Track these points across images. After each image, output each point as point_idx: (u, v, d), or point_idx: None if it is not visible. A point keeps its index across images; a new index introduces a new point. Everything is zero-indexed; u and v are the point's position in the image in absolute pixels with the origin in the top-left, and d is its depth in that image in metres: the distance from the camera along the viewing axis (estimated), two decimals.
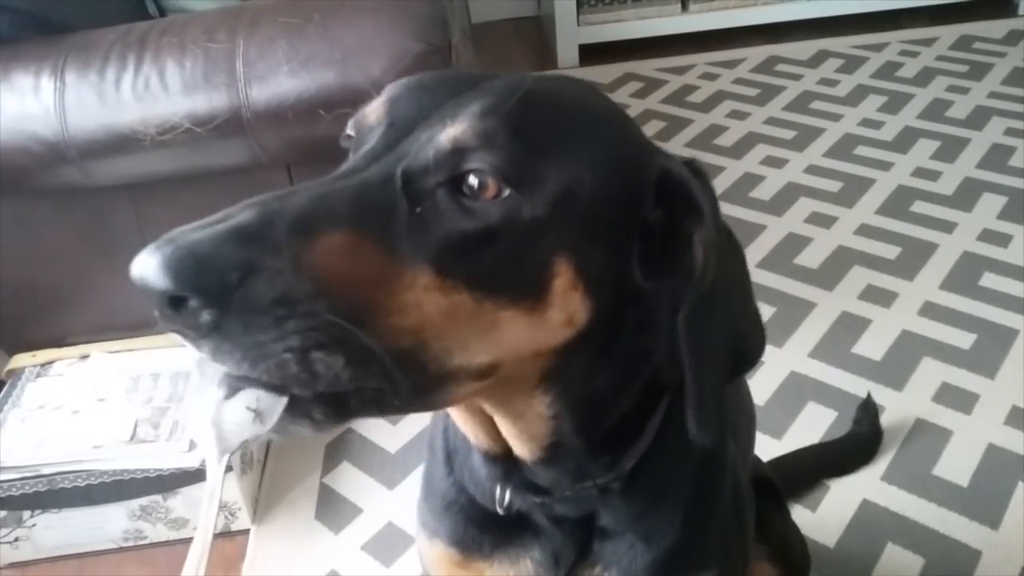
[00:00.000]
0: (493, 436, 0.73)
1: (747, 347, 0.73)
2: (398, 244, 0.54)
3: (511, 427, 0.70)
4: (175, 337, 0.52)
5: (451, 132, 0.57)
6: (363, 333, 0.52)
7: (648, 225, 0.64)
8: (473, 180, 0.56)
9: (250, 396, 0.52)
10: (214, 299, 0.49)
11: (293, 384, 0.52)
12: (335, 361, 0.51)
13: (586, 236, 0.60)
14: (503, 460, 0.75)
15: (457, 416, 0.74)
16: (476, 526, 0.83)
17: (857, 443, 1.61)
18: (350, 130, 0.65)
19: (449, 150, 0.56)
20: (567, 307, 0.60)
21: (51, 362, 1.70)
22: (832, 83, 2.96)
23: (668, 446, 0.76)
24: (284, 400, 0.52)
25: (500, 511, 0.78)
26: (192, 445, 1.48)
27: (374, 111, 0.63)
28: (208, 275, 0.49)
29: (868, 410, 1.63)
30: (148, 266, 0.49)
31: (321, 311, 0.51)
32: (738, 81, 3.04)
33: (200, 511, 0.60)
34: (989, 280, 2.01)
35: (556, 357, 0.63)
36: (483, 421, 0.72)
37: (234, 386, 0.53)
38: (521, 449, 0.72)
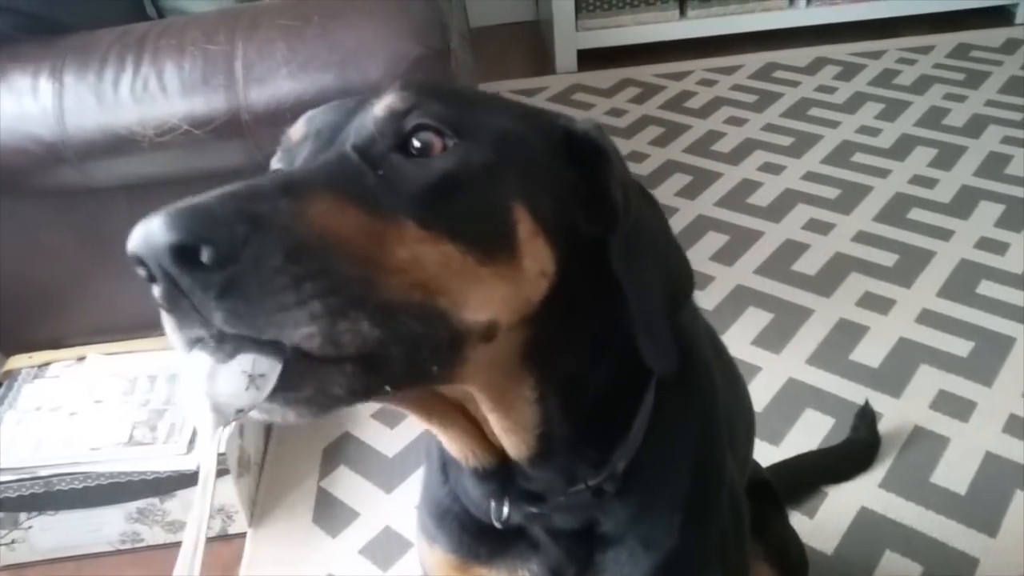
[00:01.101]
0: (484, 446, 0.73)
1: (681, 283, 0.77)
2: (377, 203, 0.55)
3: (503, 420, 0.69)
4: (172, 326, 0.50)
5: (383, 103, 0.61)
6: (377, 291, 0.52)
7: (575, 185, 0.68)
8: (419, 139, 0.59)
9: (245, 360, 0.49)
10: (226, 250, 0.46)
11: (322, 347, 0.49)
12: (360, 321, 0.50)
13: (532, 183, 0.63)
14: (497, 474, 0.75)
15: (446, 437, 0.73)
16: (471, 535, 0.83)
17: (855, 450, 1.61)
18: (275, 162, 0.68)
19: (387, 116, 0.60)
20: (536, 256, 0.62)
21: (48, 364, 1.70)
22: (830, 90, 2.97)
23: (660, 447, 0.76)
24: (279, 365, 0.49)
25: (498, 525, 0.78)
26: (189, 448, 1.48)
27: (296, 130, 0.67)
28: (217, 225, 0.47)
29: (866, 417, 1.63)
30: (151, 226, 0.47)
31: (335, 269, 0.50)
32: (736, 87, 3.05)
33: (195, 493, 0.58)
34: (986, 288, 2.01)
35: (535, 326, 0.64)
36: (472, 432, 0.72)
37: (229, 350, 0.49)
38: (514, 445, 0.71)
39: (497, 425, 0.70)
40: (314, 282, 0.48)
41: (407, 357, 0.53)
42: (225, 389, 0.49)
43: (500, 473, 0.75)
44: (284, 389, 0.50)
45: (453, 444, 0.74)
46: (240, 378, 0.49)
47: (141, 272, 0.49)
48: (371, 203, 0.55)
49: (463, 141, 0.60)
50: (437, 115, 0.59)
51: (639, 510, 0.78)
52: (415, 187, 0.57)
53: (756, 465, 1.25)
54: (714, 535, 0.82)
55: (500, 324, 0.60)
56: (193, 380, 0.50)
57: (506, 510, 0.77)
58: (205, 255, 0.46)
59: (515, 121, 0.66)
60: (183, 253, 0.46)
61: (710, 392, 0.84)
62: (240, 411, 0.50)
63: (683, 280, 0.78)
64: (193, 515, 0.55)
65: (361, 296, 0.50)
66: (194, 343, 0.50)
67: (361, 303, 0.50)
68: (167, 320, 0.51)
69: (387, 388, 0.54)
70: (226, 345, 0.49)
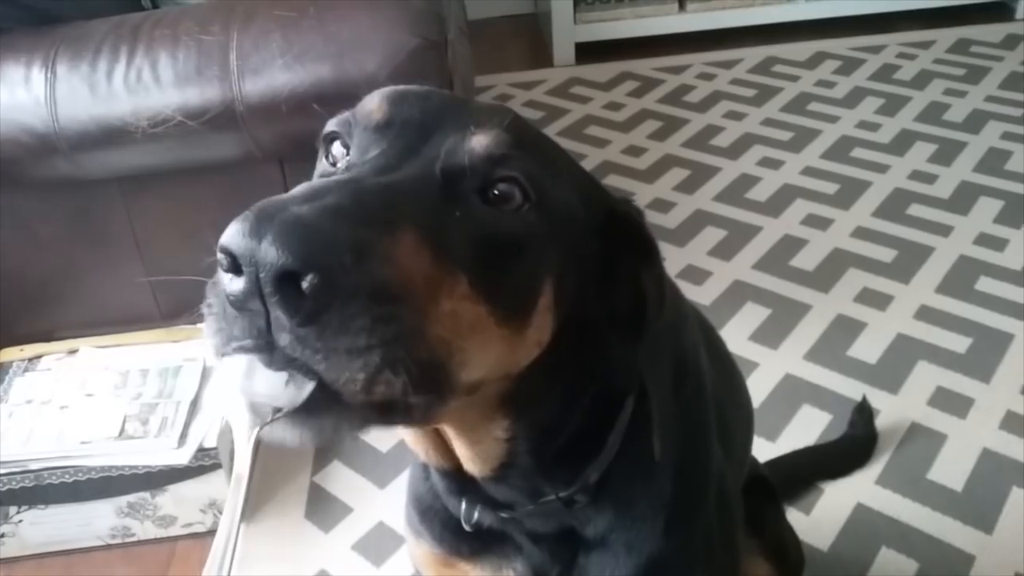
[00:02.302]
0: (442, 453, 0.73)
1: (684, 361, 0.78)
2: (447, 249, 0.53)
3: (466, 450, 0.70)
4: (218, 324, 0.49)
5: (483, 140, 0.58)
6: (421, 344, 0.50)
7: (599, 260, 0.68)
8: (502, 188, 0.57)
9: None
10: (328, 284, 0.45)
11: (353, 393, 0.48)
12: (400, 374, 0.49)
13: (567, 261, 0.63)
14: (456, 475, 0.75)
15: (407, 434, 0.73)
16: (452, 532, 0.83)
17: (852, 445, 1.60)
18: (334, 126, 0.64)
19: (484, 156, 0.57)
20: (541, 327, 0.61)
21: (39, 356, 1.69)
22: (829, 85, 2.96)
23: (636, 455, 0.75)
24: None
25: (467, 527, 0.78)
26: (181, 442, 1.47)
27: (379, 109, 0.62)
28: (328, 254, 0.45)
29: (863, 412, 1.62)
30: (261, 233, 0.44)
31: (401, 316, 0.48)
32: (735, 82, 3.03)
33: (228, 491, 0.57)
34: (985, 284, 2.01)
35: (518, 379, 0.64)
36: (433, 439, 0.72)
37: (277, 363, 0.48)
38: (471, 468, 0.72)
39: (460, 452, 0.70)
40: (383, 328, 0.47)
41: (409, 405, 0.52)
42: (263, 389, 0.48)
43: (461, 479, 0.74)
44: (307, 411, 0.48)
45: (416, 442, 0.73)
46: (279, 377, 0.48)
47: (224, 262, 0.47)
48: (443, 249, 0.53)
49: (537, 207, 0.59)
50: (528, 173, 0.58)
51: (617, 515, 0.77)
52: (479, 240, 0.56)
53: (754, 460, 1.25)
54: (699, 538, 0.81)
55: (486, 381, 0.60)
56: (231, 378, 0.49)
57: (476, 514, 0.77)
58: (307, 284, 0.45)
59: (579, 194, 0.65)
60: (288, 276, 0.45)
61: (696, 397, 0.83)
62: (277, 411, 0.49)
63: (689, 361, 0.81)
64: (226, 515, 0.56)
65: (409, 347, 0.49)
66: (234, 347, 0.49)
67: (408, 354, 0.49)
68: (215, 316, 0.49)
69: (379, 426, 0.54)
70: (275, 357, 0.48)
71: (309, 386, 0.48)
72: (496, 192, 0.57)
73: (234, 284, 0.46)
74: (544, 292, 0.60)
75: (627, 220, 0.68)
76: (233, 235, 0.45)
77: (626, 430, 0.75)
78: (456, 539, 0.83)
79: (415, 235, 0.51)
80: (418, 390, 0.50)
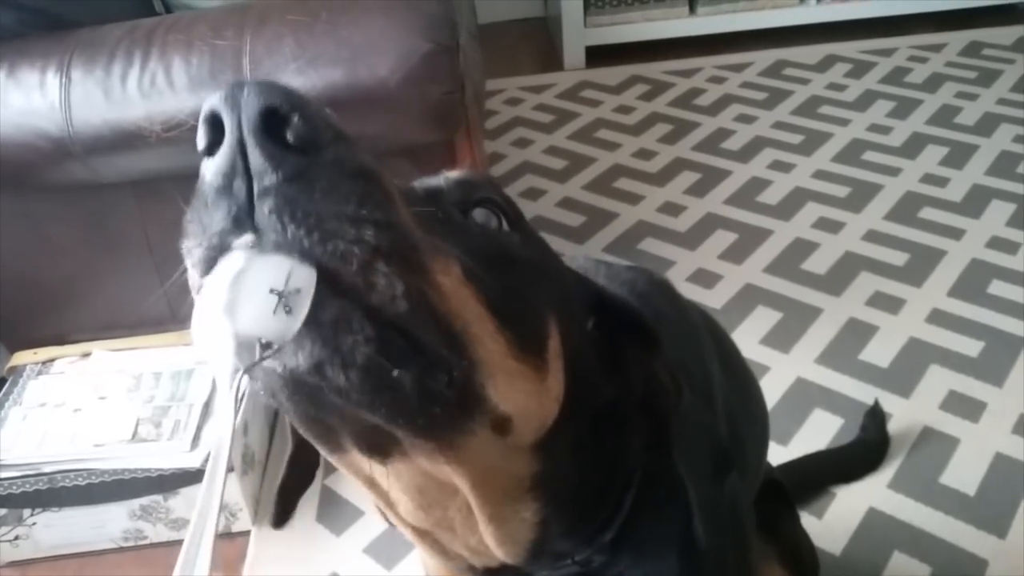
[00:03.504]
0: (472, 548, 0.69)
1: (722, 448, 0.78)
2: (432, 232, 0.51)
3: (496, 531, 0.66)
4: (201, 227, 0.45)
5: (458, 171, 0.61)
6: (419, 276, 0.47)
7: (597, 343, 0.69)
8: (480, 212, 0.59)
9: (276, 273, 0.42)
10: (313, 134, 0.44)
11: (354, 275, 0.44)
12: (396, 281, 0.45)
13: (564, 308, 0.62)
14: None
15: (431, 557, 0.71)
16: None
17: (864, 450, 1.60)
18: None
19: (457, 178, 0.60)
20: (556, 376, 0.60)
21: (53, 360, 1.70)
22: (840, 88, 2.95)
23: (649, 506, 0.74)
24: (314, 281, 0.43)
25: None
26: (194, 444, 1.48)
27: None
28: (313, 109, 0.44)
29: (876, 416, 1.62)
30: (245, 86, 0.43)
31: (396, 224, 0.46)
32: (746, 85, 3.03)
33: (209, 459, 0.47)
34: (997, 288, 2.00)
35: (544, 457, 0.62)
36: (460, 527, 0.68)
37: (265, 247, 0.43)
38: (501, 553, 0.68)
39: (489, 535, 0.66)
40: (374, 212, 0.45)
41: (419, 380, 0.48)
42: (249, 313, 0.42)
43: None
44: (305, 338, 0.43)
45: (425, 548, 0.70)
46: (268, 300, 0.42)
47: (203, 139, 0.45)
48: (428, 230, 0.50)
49: (514, 232, 0.60)
50: (503, 197, 0.60)
51: (632, 563, 0.75)
52: (467, 239, 0.55)
53: (768, 465, 1.25)
54: (712, 559, 0.79)
55: (513, 424, 0.56)
56: (211, 306, 0.43)
57: None
58: (292, 132, 0.43)
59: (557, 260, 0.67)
60: (271, 120, 0.43)
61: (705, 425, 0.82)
62: (266, 347, 0.43)
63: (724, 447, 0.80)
64: (204, 485, 0.48)
65: (406, 265, 0.46)
66: (215, 242, 0.45)
67: (405, 267, 0.46)
68: (198, 220, 0.46)
69: (394, 420, 0.49)
70: (263, 240, 0.43)
71: (303, 309, 0.42)
72: (477, 214, 0.59)
73: (216, 161, 0.44)
74: (551, 334, 0.58)
75: (623, 307, 0.70)
76: (214, 96, 0.44)
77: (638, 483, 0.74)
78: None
79: (397, 193, 0.49)
80: (426, 357, 0.48)
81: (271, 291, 0.42)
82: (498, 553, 0.68)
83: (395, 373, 0.46)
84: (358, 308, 0.44)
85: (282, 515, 0.81)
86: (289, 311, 0.42)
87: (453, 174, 0.60)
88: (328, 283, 0.43)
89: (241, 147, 0.43)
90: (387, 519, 0.67)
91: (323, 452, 0.57)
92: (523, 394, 0.56)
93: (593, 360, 0.67)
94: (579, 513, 0.70)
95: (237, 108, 0.43)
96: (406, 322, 0.46)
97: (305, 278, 0.42)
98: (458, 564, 0.71)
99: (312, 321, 0.43)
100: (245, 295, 0.42)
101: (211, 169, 0.44)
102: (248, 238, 0.43)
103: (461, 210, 0.58)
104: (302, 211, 0.43)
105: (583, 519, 0.71)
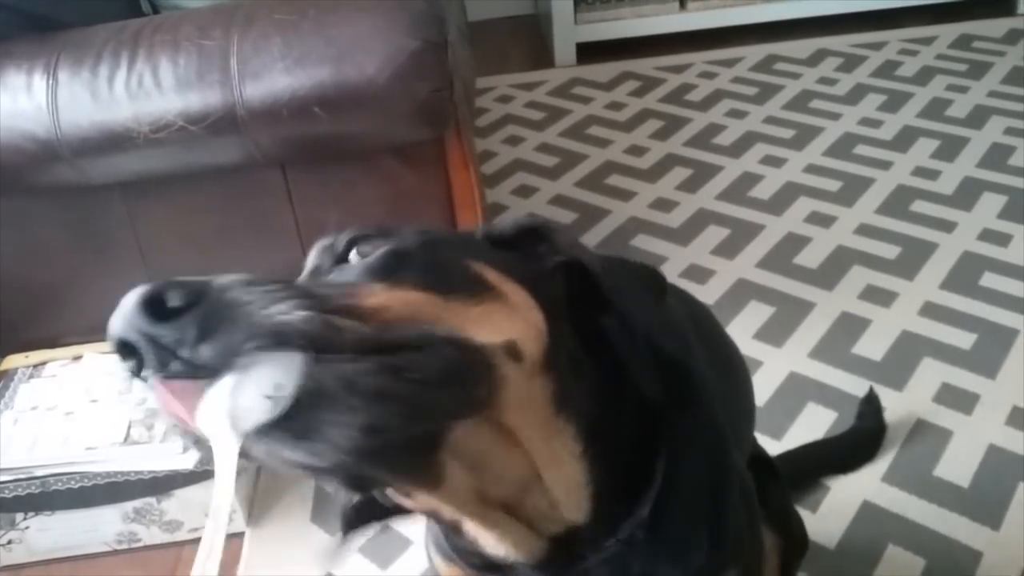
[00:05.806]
0: (541, 511, 0.71)
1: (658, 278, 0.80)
2: (337, 282, 0.62)
3: (556, 474, 0.68)
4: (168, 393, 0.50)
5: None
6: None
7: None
8: (358, 252, 0.65)
9: (266, 381, 0.47)
10: (191, 293, 0.49)
11: (320, 328, 0.50)
12: (353, 325, 0.52)
13: (480, 253, 0.69)
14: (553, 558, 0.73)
15: (487, 531, 0.71)
16: (489, 567, 0.79)
17: (861, 438, 1.60)
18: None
19: (323, 247, 0.68)
20: (516, 293, 0.65)
21: (44, 363, 1.69)
22: (831, 82, 2.95)
23: (680, 480, 0.75)
24: (297, 362, 0.48)
25: None
26: (186, 447, 1.47)
27: None
28: (173, 282, 0.49)
29: (871, 404, 1.62)
30: (121, 309, 0.49)
31: (304, 289, 0.54)
32: (737, 80, 3.03)
33: (211, 510, 0.54)
34: (989, 280, 2.00)
35: (552, 376, 0.66)
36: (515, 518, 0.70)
37: (248, 360, 0.48)
38: (572, 503, 0.70)
39: (553, 481, 0.69)
40: (284, 292, 0.51)
41: (434, 389, 0.54)
42: (245, 407, 0.48)
43: (551, 554, 0.73)
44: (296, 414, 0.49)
45: (496, 535, 0.71)
46: (262, 401, 0.48)
47: (128, 365, 0.50)
48: (330, 281, 0.63)
49: (391, 239, 0.65)
50: (367, 230, 0.66)
51: (667, 539, 0.76)
52: (363, 266, 0.62)
53: (753, 439, 1.25)
54: (733, 532, 0.81)
55: (519, 346, 0.62)
56: (214, 405, 0.48)
57: None
58: (172, 299, 0.48)
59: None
60: (152, 304, 0.48)
61: (709, 412, 0.83)
62: (260, 426, 0.48)
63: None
64: (206, 539, 0.56)
65: (343, 310, 0.53)
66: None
67: (344, 311, 0.53)
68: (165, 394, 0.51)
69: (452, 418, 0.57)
70: (236, 365, 0.49)
71: (294, 368, 0.48)
72: (354, 255, 0.65)
73: (147, 367, 0.49)
74: (480, 270, 0.64)
75: (534, 231, 0.73)
76: (109, 330, 0.49)
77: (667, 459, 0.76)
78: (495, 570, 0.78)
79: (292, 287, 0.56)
80: (424, 370, 0.53)
81: (264, 397, 0.47)
82: (566, 502, 0.70)
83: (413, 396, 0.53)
84: (342, 366, 0.50)
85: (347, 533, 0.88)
86: (278, 404, 0.47)
87: (339, 237, 0.67)
88: (311, 357, 0.49)
89: (152, 341, 0.48)
90: (441, 520, 0.71)
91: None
92: (505, 320, 0.62)
93: (545, 283, 0.70)
94: (614, 454, 0.72)
95: (126, 321, 0.48)
96: (380, 349, 0.52)
97: (288, 379, 0.48)
98: (525, 546, 0.72)
99: (313, 392, 0.48)
100: (243, 402, 0.48)
101: (151, 370, 0.49)
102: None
103: (344, 257, 0.65)
104: (229, 329, 0.48)
105: (619, 466, 0.73)
